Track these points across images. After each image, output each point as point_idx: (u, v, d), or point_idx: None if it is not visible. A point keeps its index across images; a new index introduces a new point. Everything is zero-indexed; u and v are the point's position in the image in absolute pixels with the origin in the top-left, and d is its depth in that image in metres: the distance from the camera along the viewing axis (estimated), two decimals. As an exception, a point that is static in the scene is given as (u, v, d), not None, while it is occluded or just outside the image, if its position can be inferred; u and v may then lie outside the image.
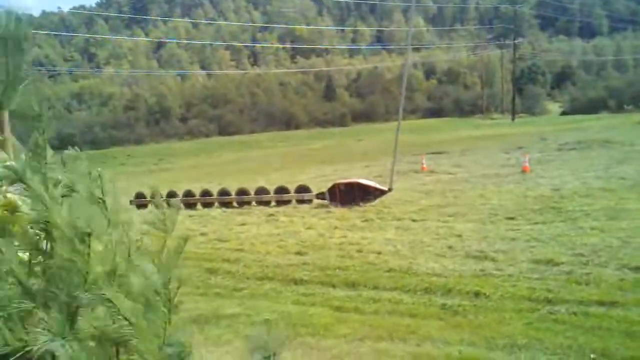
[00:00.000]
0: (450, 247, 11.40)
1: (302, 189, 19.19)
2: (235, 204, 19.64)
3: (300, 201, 18.89)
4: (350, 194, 17.90)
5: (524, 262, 9.95)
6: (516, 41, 77.82)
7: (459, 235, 12.38)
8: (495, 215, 14.25)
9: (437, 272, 9.76)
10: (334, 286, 9.60)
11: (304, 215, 16.69)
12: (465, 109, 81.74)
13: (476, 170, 23.16)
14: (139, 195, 21.14)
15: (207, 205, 19.93)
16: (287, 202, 19.06)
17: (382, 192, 17.87)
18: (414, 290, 8.97)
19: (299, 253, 11.94)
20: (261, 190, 19.76)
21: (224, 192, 20.15)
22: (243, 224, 16.06)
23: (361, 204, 17.48)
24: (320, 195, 18.54)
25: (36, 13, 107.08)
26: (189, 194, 20.40)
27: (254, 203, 19.39)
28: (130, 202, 19.91)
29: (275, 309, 8.53)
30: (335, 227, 14.44)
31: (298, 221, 15.84)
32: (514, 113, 70.23)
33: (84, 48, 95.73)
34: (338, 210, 16.83)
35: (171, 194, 19.15)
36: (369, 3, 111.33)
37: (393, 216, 15.32)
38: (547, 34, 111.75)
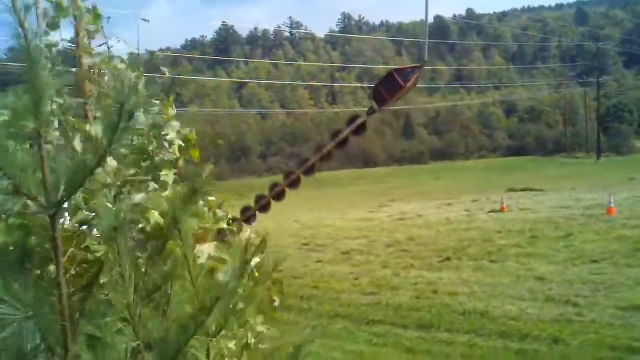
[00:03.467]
0: (529, 290, 11.02)
1: None
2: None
3: None
4: None
5: (608, 307, 9.50)
6: (600, 79, 75.45)
7: (540, 278, 11.97)
8: (578, 258, 13.71)
9: (514, 316, 9.45)
10: (406, 327, 9.45)
11: (379, 253, 16.57)
12: (548, 148, 79.56)
13: (559, 211, 22.41)
14: (219, 231, 21.61)
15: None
16: None
17: None
18: (488, 334, 8.71)
19: (373, 292, 11.83)
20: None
21: None
22: (318, 261, 16.09)
23: None
24: None
25: (124, 55, 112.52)
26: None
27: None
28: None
29: (346, 348, 8.45)
30: (411, 266, 14.25)
31: (373, 259, 15.74)
32: (599, 152, 67.78)
33: (169, 87, 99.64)
34: (414, 249, 16.62)
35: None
36: (447, 42, 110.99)
37: (470, 256, 14.98)
38: (632, 72, 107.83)
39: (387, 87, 19.07)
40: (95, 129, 2.15)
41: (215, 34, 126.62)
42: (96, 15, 3.20)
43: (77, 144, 2.33)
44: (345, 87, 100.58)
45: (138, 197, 2.48)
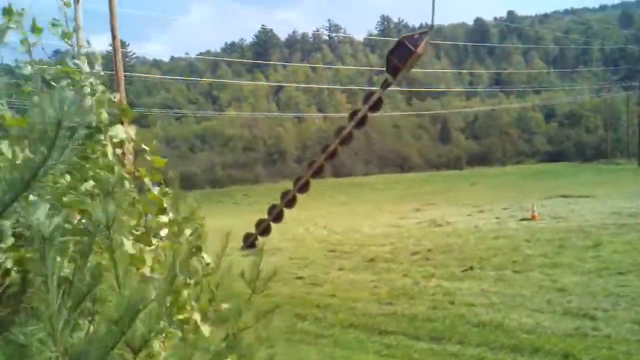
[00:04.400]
0: (548, 302, 10.86)
1: None
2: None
3: None
4: None
5: (626, 322, 9.29)
6: (644, 83, 73.74)
7: (562, 290, 11.78)
8: (605, 269, 13.43)
9: (529, 329, 9.32)
10: (418, 338, 9.39)
11: (402, 261, 16.49)
12: (587, 153, 78.11)
13: (593, 219, 21.98)
14: (248, 236, 21.89)
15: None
16: None
17: None
18: (500, 347, 8.60)
19: (390, 302, 11.78)
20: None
21: None
22: (340, 269, 16.09)
23: None
24: None
25: (165, 59, 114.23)
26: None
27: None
28: (242, 246, 20.79)
29: (354, 359, 8.44)
30: (432, 275, 14.15)
31: (396, 267, 15.67)
32: (640, 158, 66.20)
33: (208, 91, 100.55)
34: (438, 258, 16.49)
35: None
36: (487, 45, 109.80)
37: (494, 266, 14.81)
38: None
39: (399, 55, 19.37)
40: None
41: (254, 37, 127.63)
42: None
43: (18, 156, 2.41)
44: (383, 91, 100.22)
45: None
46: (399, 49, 20.04)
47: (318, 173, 22.50)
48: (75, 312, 2.01)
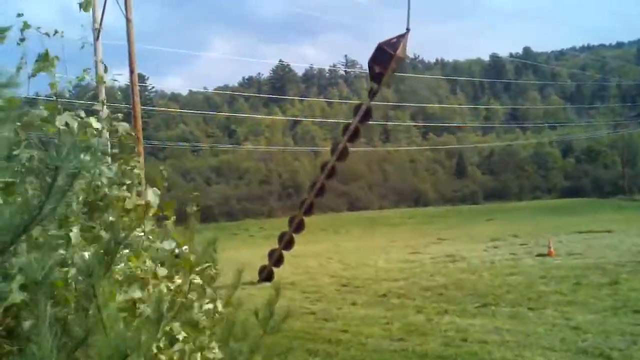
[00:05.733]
0: (562, 341, 10.67)
1: None
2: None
3: None
4: None
5: (640, 362, 9.11)
6: (662, 119, 73.50)
7: (576, 328, 11.57)
8: (621, 307, 13.20)
9: (540, 368, 9.14)
10: (428, 376, 9.26)
11: (415, 297, 16.35)
12: (605, 189, 77.57)
13: (610, 256, 21.73)
14: (262, 269, 21.89)
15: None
16: None
17: None
18: (512, 386, 8.45)
19: (402, 339, 11.65)
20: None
21: None
22: (353, 304, 15.97)
23: None
24: None
25: (184, 92, 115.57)
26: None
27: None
28: (258, 280, 20.80)
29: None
30: (445, 312, 14.00)
31: (409, 303, 15.53)
32: (659, 194, 65.63)
33: (225, 125, 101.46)
34: (451, 294, 16.33)
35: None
36: (503, 81, 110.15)
37: (508, 302, 14.64)
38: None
39: (380, 61, 19.43)
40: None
41: (271, 72, 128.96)
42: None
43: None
44: (399, 126, 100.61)
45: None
46: (379, 55, 20.14)
47: (309, 211, 22.62)
48: (71, 356, 2.02)
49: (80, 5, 3.89)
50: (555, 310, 13.36)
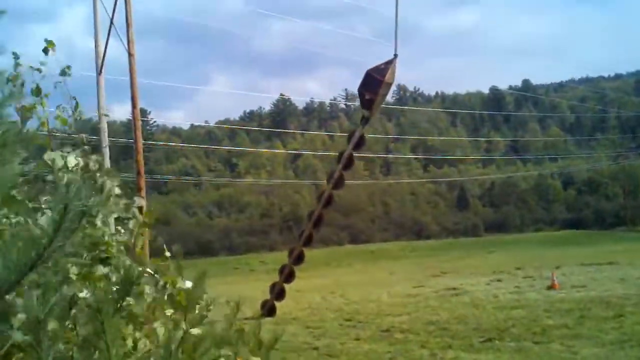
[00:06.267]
0: (569, 376, 10.56)
1: None
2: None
3: None
4: None
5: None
6: (661, 150, 73.78)
7: (582, 363, 11.47)
8: (627, 341, 13.09)
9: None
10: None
11: (419, 331, 16.22)
12: (607, 221, 77.48)
13: (614, 289, 21.61)
14: (264, 303, 21.67)
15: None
16: None
17: None
18: None
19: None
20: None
21: None
22: (357, 339, 15.84)
23: None
24: None
25: (185, 126, 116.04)
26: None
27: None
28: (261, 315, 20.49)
29: None
30: (449, 346, 13.87)
31: (413, 338, 15.40)
32: (661, 225, 65.48)
33: (227, 158, 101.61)
34: (455, 328, 16.20)
35: None
36: (503, 113, 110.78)
37: (513, 336, 14.52)
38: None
39: (369, 87, 19.55)
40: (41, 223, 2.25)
41: (272, 105, 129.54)
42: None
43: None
44: (400, 158, 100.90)
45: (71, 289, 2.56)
46: (368, 81, 20.32)
47: (308, 242, 22.52)
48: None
49: (44, 50, 3.92)
50: (561, 344, 13.25)
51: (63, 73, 3.88)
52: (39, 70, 3.64)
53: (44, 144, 3.27)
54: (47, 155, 3.14)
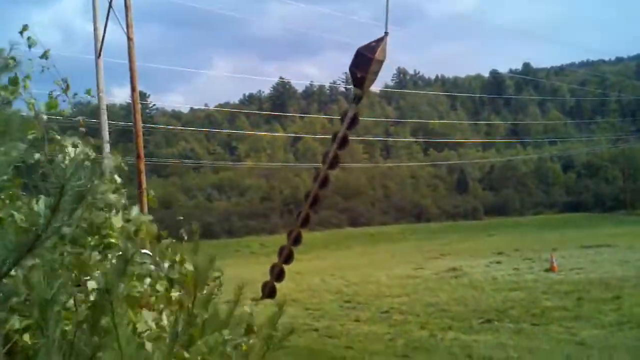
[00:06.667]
0: (567, 357, 10.63)
1: None
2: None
3: None
4: None
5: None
6: (661, 133, 73.71)
7: (581, 343, 11.53)
8: (626, 322, 13.15)
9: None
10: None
11: (419, 313, 16.29)
12: (606, 204, 77.55)
13: (613, 271, 21.70)
14: (265, 285, 21.68)
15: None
16: None
17: None
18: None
19: (406, 355, 11.60)
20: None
21: None
22: (356, 320, 15.92)
23: None
24: None
25: (185, 110, 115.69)
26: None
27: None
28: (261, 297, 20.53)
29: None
30: (449, 328, 13.94)
31: (413, 319, 15.47)
32: (660, 208, 65.55)
33: (227, 142, 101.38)
34: (455, 310, 16.27)
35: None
36: (503, 97, 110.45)
37: (512, 318, 14.58)
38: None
39: (360, 66, 19.45)
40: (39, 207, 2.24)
41: (272, 89, 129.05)
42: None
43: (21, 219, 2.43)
44: (400, 142, 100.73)
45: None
46: (359, 60, 20.16)
47: (305, 223, 22.38)
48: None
49: (20, 32, 3.89)
50: (560, 326, 13.31)
51: (44, 56, 3.86)
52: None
53: (32, 127, 3.25)
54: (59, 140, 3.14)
